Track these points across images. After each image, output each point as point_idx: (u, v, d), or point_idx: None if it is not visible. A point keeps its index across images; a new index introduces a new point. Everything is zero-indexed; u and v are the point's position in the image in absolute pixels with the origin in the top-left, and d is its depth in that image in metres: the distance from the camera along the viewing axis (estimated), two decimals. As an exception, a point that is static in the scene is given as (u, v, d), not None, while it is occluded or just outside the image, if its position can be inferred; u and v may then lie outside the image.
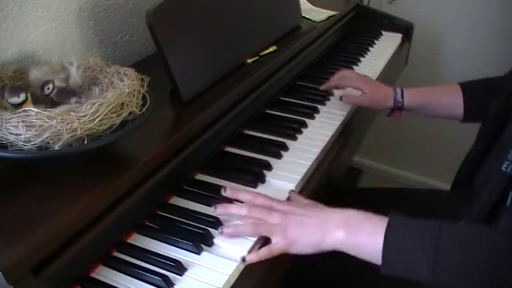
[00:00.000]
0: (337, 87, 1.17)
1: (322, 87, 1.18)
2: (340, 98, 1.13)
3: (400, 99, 1.07)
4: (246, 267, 0.72)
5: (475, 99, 1.05)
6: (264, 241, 0.75)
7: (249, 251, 0.73)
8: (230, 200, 0.79)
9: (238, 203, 0.79)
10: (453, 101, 1.06)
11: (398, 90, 1.08)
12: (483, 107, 0.95)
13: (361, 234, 0.70)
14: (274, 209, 0.76)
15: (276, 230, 0.73)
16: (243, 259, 0.71)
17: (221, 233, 0.74)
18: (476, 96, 1.05)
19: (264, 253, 0.72)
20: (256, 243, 0.75)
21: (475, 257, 0.65)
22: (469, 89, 1.06)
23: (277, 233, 0.73)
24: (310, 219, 0.73)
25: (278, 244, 0.73)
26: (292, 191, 0.86)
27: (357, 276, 0.92)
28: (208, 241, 0.75)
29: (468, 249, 0.66)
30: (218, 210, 0.78)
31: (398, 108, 1.09)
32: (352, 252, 0.71)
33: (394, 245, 0.68)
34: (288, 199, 0.84)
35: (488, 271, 0.65)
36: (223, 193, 0.80)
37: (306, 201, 0.81)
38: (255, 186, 0.87)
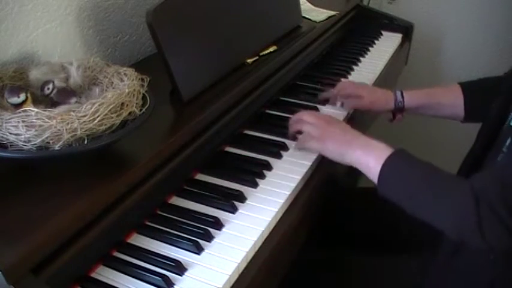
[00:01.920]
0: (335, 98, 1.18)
1: (322, 98, 1.19)
2: (341, 105, 1.15)
3: (401, 99, 1.10)
4: (245, 267, 0.72)
5: (476, 99, 1.05)
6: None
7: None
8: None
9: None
10: (454, 101, 1.08)
11: (398, 92, 1.11)
12: (483, 107, 0.96)
13: (371, 158, 0.82)
14: (322, 119, 0.93)
15: (319, 135, 0.91)
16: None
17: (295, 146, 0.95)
18: (477, 96, 1.06)
19: (306, 143, 0.91)
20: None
21: (460, 200, 0.72)
22: (469, 89, 1.07)
23: (315, 133, 0.91)
24: (343, 135, 0.89)
25: (312, 139, 0.91)
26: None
27: (356, 275, 0.93)
28: (208, 240, 0.75)
29: (454, 194, 0.74)
30: (293, 127, 0.97)
31: (399, 109, 1.11)
32: (362, 170, 0.84)
33: (389, 173, 0.81)
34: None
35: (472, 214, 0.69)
36: (292, 116, 0.98)
37: (343, 124, 0.95)
38: (255, 186, 0.87)
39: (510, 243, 0.69)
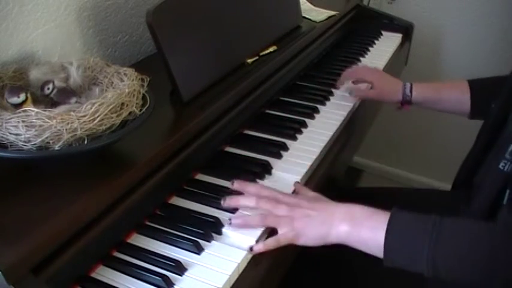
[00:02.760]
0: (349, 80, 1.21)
1: (337, 87, 1.22)
2: (350, 93, 1.16)
3: (409, 93, 1.11)
4: (245, 267, 0.73)
5: (482, 96, 1.06)
6: (269, 234, 0.76)
7: (256, 241, 0.75)
8: (238, 193, 0.81)
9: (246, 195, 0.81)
10: (461, 96, 1.08)
11: (408, 84, 1.12)
12: (490, 104, 0.96)
13: (365, 228, 0.71)
14: (281, 202, 0.77)
15: (283, 221, 0.75)
16: (251, 249, 0.73)
17: (230, 224, 0.76)
18: (484, 93, 1.06)
19: (271, 243, 0.74)
20: (262, 234, 0.76)
21: (475, 250, 0.66)
22: (476, 85, 1.08)
23: (284, 225, 0.75)
24: (316, 212, 0.75)
25: (285, 235, 0.74)
26: (298, 182, 0.87)
27: (358, 271, 0.93)
28: (208, 240, 0.75)
29: (468, 243, 0.67)
30: (227, 202, 0.79)
31: (406, 102, 1.12)
32: (356, 246, 0.72)
33: (395, 238, 0.69)
34: (294, 192, 0.85)
35: (487, 265, 0.65)
36: (231, 186, 0.82)
37: (311, 193, 0.82)
38: (255, 186, 0.87)
39: None
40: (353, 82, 1.20)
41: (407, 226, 0.70)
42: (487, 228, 0.68)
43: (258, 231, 0.76)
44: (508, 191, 0.75)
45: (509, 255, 0.65)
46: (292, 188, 0.86)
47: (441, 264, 0.67)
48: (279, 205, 0.76)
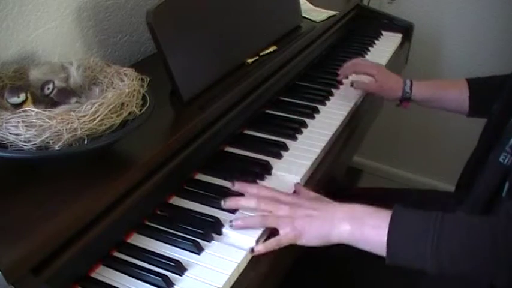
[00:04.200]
0: (351, 74, 1.22)
1: (338, 78, 1.23)
2: (351, 84, 1.18)
3: (409, 90, 1.12)
4: (245, 267, 0.73)
5: (481, 95, 1.07)
6: (269, 234, 0.77)
7: (257, 241, 0.75)
8: (238, 194, 0.81)
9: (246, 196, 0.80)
10: (460, 95, 1.09)
11: (408, 82, 1.13)
12: (488, 104, 0.97)
13: (367, 227, 0.71)
14: (282, 202, 0.77)
15: (283, 222, 0.75)
16: (252, 250, 0.73)
17: (231, 225, 0.76)
18: (483, 92, 1.07)
19: (272, 244, 0.74)
20: (262, 234, 0.76)
21: (478, 243, 0.66)
22: (475, 84, 1.09)
23: (285, 225, 0.75)
24: (317, 212, 0.75)
25: (286, 235, 0.74)
26: (298, 183, 0.87)
27: (358, 271, 0.93)
28: (208, 240, 0.75)
29: (471, 236, 0.67)
30: (227, 203, 0.79)
31: (406, 99, 1.13)
32: (358, 245, 0.72)
33: (398, 235, 0.69)
34: (295, 192, 0.85)
35: (492, 257, 0.65)
36: (231, 187, 0.82)
37: (312, 194, 0.82)
38: (255, 186, 0.87)
39: None
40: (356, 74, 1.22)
41: (409, 223, 0.70)
42: (489, 219, 0.68)
43: (258, 231, 0.76)
44: (507, 184, 0.75)
45: None
46: (292, 188, 0.86)
47: (445, 258, 0.66)
48: (279, 205, 0.76)
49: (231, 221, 0.77)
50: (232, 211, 0.80)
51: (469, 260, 0.67)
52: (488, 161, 0.88)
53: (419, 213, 0.70)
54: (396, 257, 0.69)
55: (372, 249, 0.71)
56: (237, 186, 0.82)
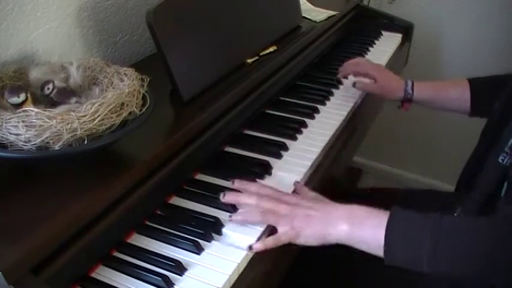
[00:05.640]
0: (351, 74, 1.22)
1: (338, 76, 1.23)
2: (353, 84, 1.17)
3: (410, 91, 1.12)
4: (245, 267, 0.73)
5: (482, 95, 1.08)
6: (269, 234, 0.76)
7: (257, 240, 0.75)
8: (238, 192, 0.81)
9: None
10: (461, 95, 1.09)
11: (409, 82, 1.13)
12: (489, 103, 0.97)
13: (365, 228, 0.71)
14: (282, 200, 0.77)
15: (282, 220, 0.75)
16: (250, 247, 0.73)
17: (231, 220, 0.76)
18: (484, 92, 1.08)
19: (270, 242, 0.74)
20: (262, 234, 0.76)
21: (476, 244, 0.66)
22: (477, 84, 1.09)
23: (284, 223, 0.75)
24: (316, 212, 0.75)
25: (285, 234, 0.74)
26: (298, 182, 0.87)
27: (358, 272, 0.93)
28: (208, 240, 0.75)
29: (468, 237, 0.67)
30: (227, 198, 0.79)
31: (407, 100, 1.13)
32: (357, 245, 0.72)
33: (396, 236, 0.69)
34: (294, 191, 0.85)
35: (489, 258, 0.65)
36: (231, 185, 0.82)
37: (311, 193, 0.82)
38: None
39: None
40: (355, 76, 1.21)
41: (407, 223, 0.70)
42: (486, 221, 0.69)
43: (258, 231, 0.76)
44: (506, 184, 0.75)
45: (510, 245, 0.65)
46: (292, 188, 0.86)
47: (442, 260, 0.67)
48: (279, 204, 0.76)
49: (230, 215, 0.77)
50: (232, 210, 0.80)
51: (466, 263, 0.67)
52: (488, 161, 0.88)
53: (417, 215, 0.70)
54: (393, 258, 0.69)
55: (369, 250, 0.71)
56: (237, 184, 0.82)
